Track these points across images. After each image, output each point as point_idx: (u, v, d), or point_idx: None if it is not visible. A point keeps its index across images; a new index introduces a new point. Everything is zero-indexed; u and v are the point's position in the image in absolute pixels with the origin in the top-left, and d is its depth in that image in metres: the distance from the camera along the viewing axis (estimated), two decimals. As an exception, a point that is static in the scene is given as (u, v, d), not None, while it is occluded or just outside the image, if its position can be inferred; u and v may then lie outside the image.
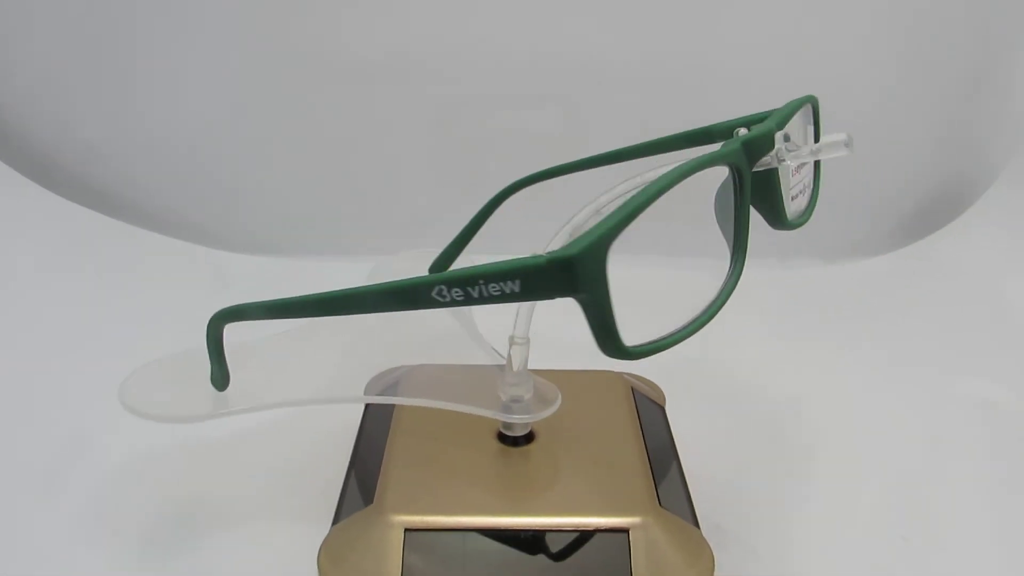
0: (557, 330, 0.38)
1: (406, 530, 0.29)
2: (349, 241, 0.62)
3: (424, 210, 0.63)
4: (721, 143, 0.27)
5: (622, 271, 0.23)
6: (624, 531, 0.30)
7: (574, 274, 0.21)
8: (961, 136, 0.62)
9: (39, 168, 0.64)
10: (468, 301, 0.22)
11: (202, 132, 0.62)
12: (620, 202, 0.22)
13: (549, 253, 0.21)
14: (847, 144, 0.25)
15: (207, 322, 0.32)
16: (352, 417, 0.39)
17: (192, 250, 0.62)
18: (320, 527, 0.31)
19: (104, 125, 0.63)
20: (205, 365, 0.33)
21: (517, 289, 0.21)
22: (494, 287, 0.22)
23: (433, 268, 0.43)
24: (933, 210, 0.63)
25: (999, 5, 0.58)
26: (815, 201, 0.31)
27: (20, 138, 0.64)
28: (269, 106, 0.61)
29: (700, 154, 0.24)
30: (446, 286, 0.22)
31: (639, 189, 0.22)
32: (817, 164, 0.32)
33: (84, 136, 0.63)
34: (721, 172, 0.26)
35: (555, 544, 0.29)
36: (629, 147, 0.34)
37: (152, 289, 0.57)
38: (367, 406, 0.39)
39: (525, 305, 0.31)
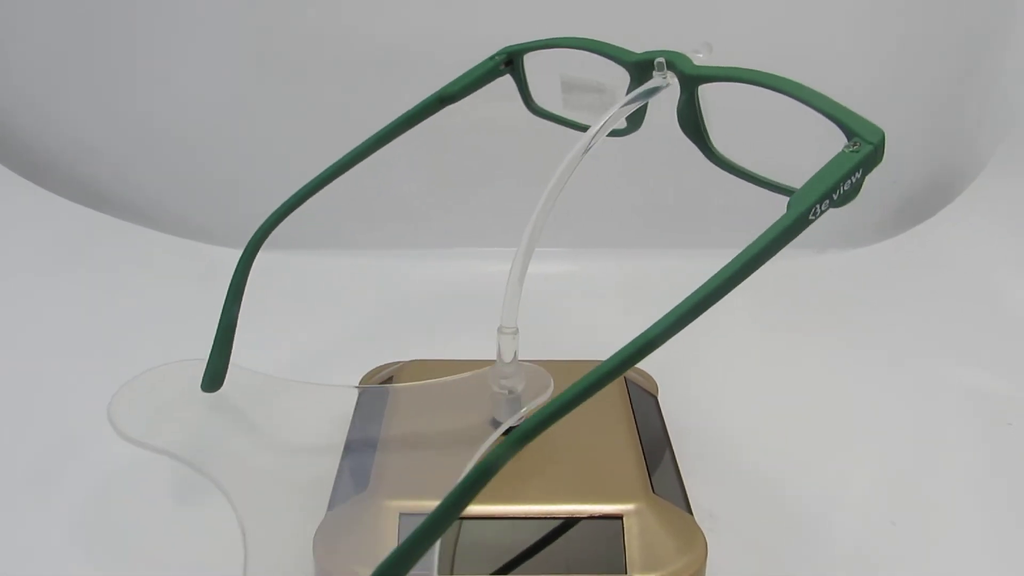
0: (547, 322, 0.38)
1: (401, 515, 0.30)
2: (346, 235, 0.62)
3: (420, 204, 0.63)
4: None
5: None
6: (618, 517, 0.30)
7: (885, 145, 0.25)
8: (949, 126, 0.63)
9: (30, 164, 0.63)
10: (832, 205, 0.24)
11: (197, 126, 0.62)
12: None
13: (871, 140, 0.25)
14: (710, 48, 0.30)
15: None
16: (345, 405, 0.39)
17: (187, 246, 0.62)
18: (315, 514, 0.31)
19: (97, 120, 0.62)
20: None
21: (860, 176, 0.25)
22: (847, 184, 0.24)
23: (211, 368, 0.36)
24: (922, 199, 0.64)
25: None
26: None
27: (11, 134, 0.63)
28: (265, 100, 0.61)
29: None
30: (818, 204, 0.24)
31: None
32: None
33: (76, 131, 0.63)
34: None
35: (550, 530, 0.30)
36: (363, 145, 0.37)
37: (147, 286, 0.57)
38: (360, 395, 0.40)
39: (510, 294, 0.31)
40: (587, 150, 0.30)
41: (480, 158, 0.60)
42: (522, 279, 0.31)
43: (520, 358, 0.33)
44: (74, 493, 0.38)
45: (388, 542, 0.29)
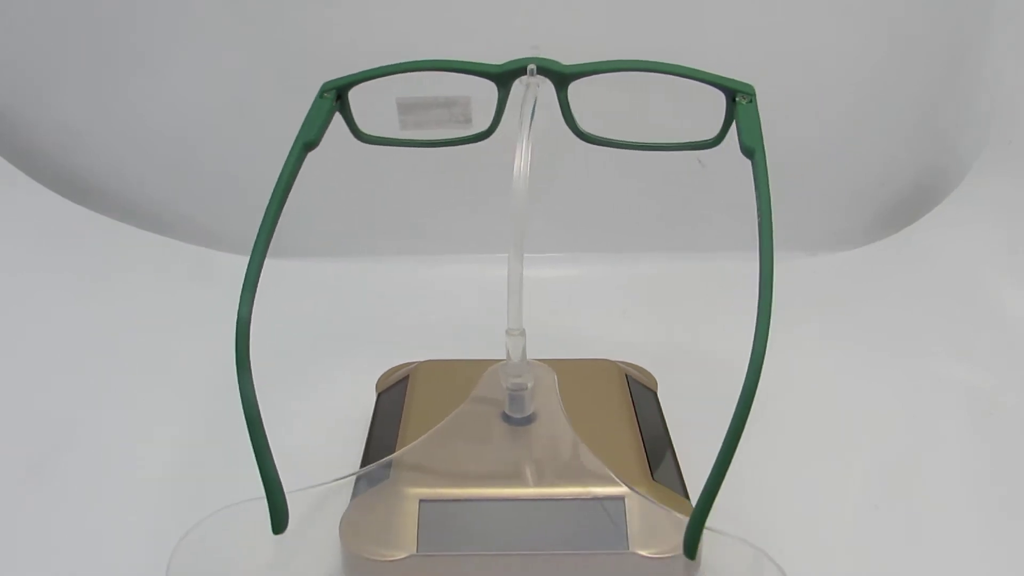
0: (552, 324, 0.39)
1: (420, 501, 0.32)
2: (345, 242, 0.63)
3: (419, 209, 0.64)
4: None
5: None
6: (620, 499, 0.32)
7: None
8: (935, 130, 0.64)
9: (26, 157, 0.62)
10: None
11: (194, 123, 0.61)
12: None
13: (751, 92, 0.30)
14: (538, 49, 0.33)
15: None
16: (366, 401, 0.42)
17: (180, 248, 0.62)
18: (340, 502, 0.34)
19: (89, 111, 0.61)
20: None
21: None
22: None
23: (274, 511, 0.30)
24: (910, 202, 0.65)
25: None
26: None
27: (10, 127, 0.62)
28: (265, 97, 0.60)
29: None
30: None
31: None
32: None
33: (66, 121, 0.61)
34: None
35: (558, 511, 0.32)
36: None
37: (138, 289, 0.57)
38: (380, 393, 0.42)
39: (513, 299, 0.33)
40: (527, 182, 0.31)
41: (485, 164, 0.61)
42: (520, 288, 0.32)
43: (528, 357, 0.35)
44: (64, 492, 0.39)
45: (409, 526, 0.31)
